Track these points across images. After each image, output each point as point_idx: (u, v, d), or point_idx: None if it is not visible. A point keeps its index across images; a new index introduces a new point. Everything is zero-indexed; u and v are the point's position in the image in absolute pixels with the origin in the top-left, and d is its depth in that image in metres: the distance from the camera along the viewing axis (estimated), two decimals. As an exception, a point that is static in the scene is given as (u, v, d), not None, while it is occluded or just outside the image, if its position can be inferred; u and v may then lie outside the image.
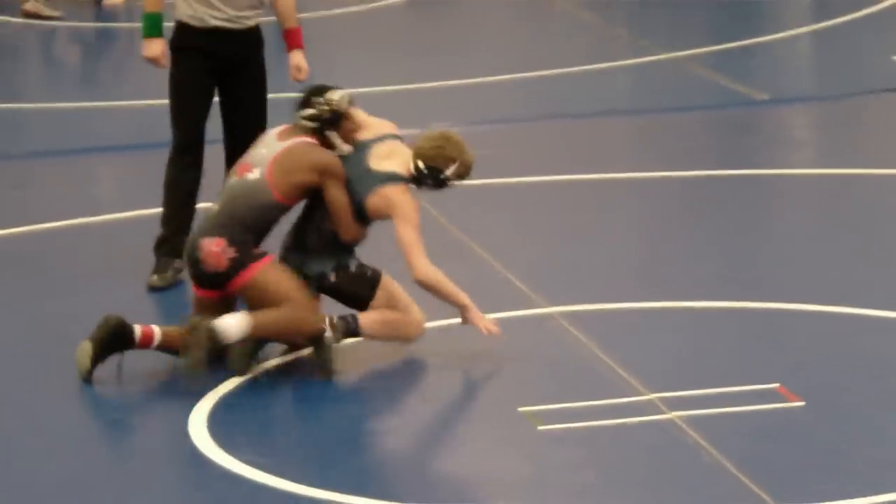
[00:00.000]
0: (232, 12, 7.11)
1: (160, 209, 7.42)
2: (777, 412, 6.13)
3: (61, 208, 8.54)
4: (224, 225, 6.23)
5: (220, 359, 6.19)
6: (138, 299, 7.17)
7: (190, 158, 7.27)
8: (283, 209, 6.24)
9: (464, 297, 6.35)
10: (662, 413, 6.03)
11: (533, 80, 11.13)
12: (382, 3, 13.99)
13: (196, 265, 6.21)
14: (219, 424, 5.93)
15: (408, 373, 6.57)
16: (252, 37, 7.25)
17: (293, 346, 6.44)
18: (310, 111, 6.35)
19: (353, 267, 6.29)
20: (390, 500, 5.24)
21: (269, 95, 7.44)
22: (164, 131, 7.47)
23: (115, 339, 6.15)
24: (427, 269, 6.22)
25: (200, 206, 7.37)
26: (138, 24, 7.97)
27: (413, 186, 6.35)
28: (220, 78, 7.25)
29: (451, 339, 6.68)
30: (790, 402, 6.22)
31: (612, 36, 12.69)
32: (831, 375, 6.53)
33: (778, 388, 6.32)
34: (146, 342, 6.17)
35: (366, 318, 6.22)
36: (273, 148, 6.34)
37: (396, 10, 14.07)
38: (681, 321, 6.99)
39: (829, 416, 6.17)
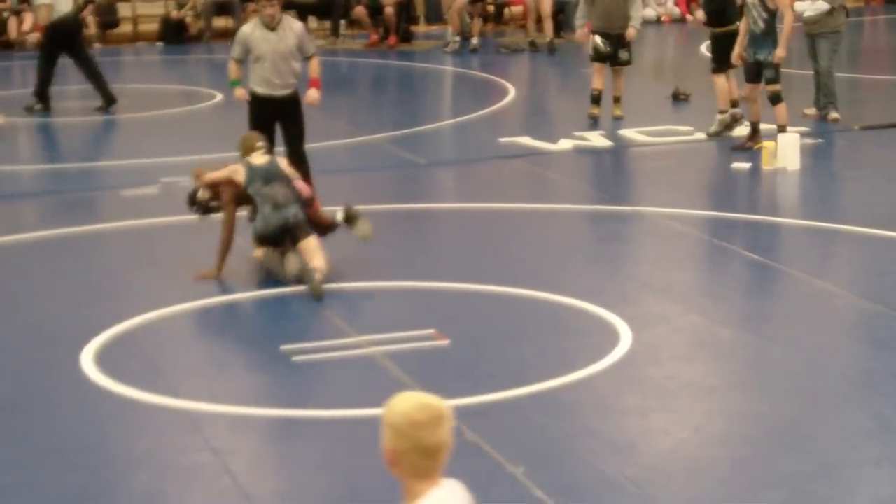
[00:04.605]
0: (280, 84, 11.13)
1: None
2: (434, 347, 8.22)
3: None
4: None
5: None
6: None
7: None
8: None
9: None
10: (368, 348, 8.12)
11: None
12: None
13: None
14: (105, 357, 8.05)
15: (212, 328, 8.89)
16: (293, 97, 11.21)
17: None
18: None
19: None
20: (194, 399, 7.46)
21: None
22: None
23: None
24: None
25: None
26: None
27: None
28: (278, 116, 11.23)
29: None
30: (441, 340, 8.31)
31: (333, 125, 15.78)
32: (468, 326, 8.59)
33: (434, 333, 8.41)
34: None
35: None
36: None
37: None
38: (398, 295, 9.24)
39: (466, 349, 8.18)
